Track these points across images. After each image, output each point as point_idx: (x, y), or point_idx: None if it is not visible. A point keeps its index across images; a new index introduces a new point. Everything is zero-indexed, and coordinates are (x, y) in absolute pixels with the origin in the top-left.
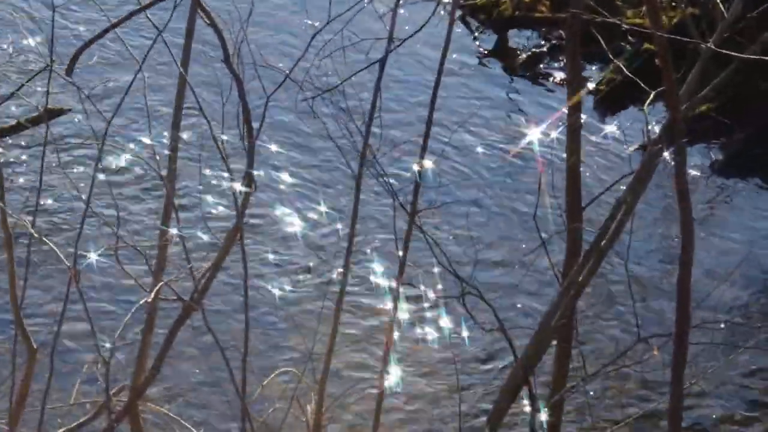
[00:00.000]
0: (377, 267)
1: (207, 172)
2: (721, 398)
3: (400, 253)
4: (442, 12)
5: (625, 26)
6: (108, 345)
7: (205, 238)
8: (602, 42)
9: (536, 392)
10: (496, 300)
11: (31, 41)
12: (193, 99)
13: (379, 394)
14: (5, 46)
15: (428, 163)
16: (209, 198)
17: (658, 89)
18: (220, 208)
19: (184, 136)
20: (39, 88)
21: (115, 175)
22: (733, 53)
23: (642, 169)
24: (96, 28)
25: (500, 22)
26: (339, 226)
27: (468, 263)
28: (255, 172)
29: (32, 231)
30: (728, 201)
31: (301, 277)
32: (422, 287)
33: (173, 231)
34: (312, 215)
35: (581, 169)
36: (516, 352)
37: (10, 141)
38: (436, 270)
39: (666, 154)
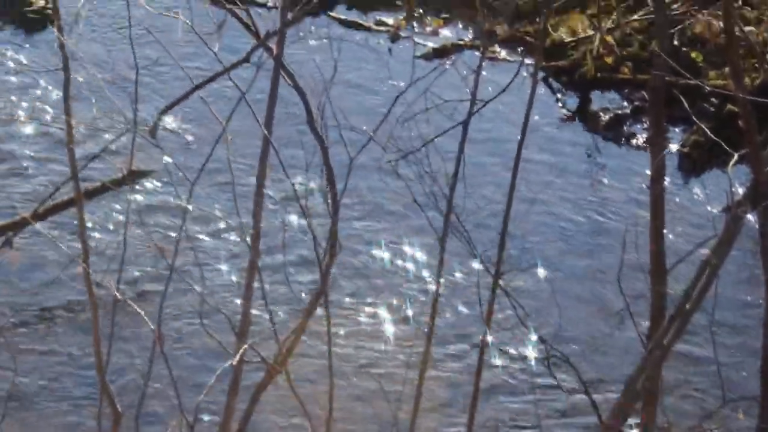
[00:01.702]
0: (461, 329)
1: (291, 233)
2: None
3: (484, 314)
4: (524, 73)
5: (708, 88)
6: (192, 408)
7: (290, 300)
8: (685, 103)
9: None
10: (580, 361)
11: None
12: (277, 160)
13: None
14: (89, 108)
15: (512, 225)
16: (293, 260)
17: (742, 151)
18: (305, 271)
19: (269, 197)
20: (123, 150)
21: (200, 237)
22: None
23: (726, 232)
24: (180, 89)
25: (583, 83)
26: (423, 287)
27: (552, 324)
28: (338, 234)
29: (117, 294)
30: None
31: (384, 339)
32: (507, 348)
33: (257, 293)
34: (396, 277)
35: (665, 230)
36: (600, 415)
37: (94, 203)
38: (520, 331)
39: (750, 216)
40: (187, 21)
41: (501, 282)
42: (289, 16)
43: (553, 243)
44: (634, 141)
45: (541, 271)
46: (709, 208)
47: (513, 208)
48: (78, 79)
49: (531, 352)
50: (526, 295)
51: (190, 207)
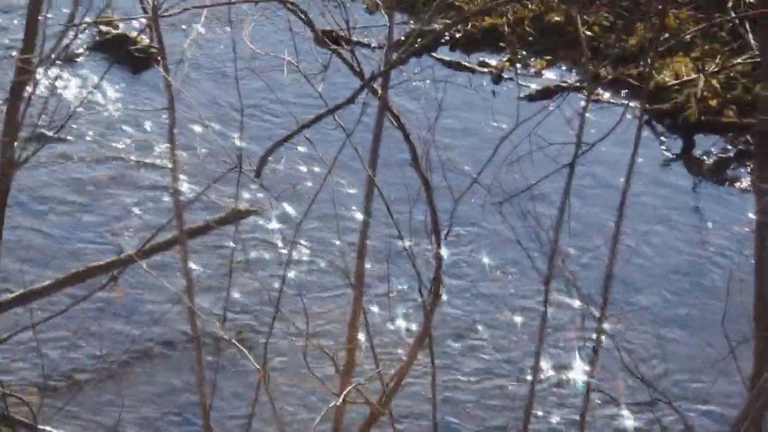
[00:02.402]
0: (565, 371)
1: (394, 274)
2: None
3: (590, 358)
4: (628, 116)
5: None
6: None
7: (394, 340)
8: None
9: None
10: (684, 406)
11: (220, 142)
12: (381, 200)
13: None
14: (194, 148)
15: (616, 268)
16: (397, 300)
17: None
18: (408, 311)
19: (373, 237)
20: (228, 189)
21: (304, 276)
22: None
23: None
24: (285, 129)
25: (686, 126)
26: (527, 330)
27: (656, 368)
28: (442, 275)
29: (221, 332)
30: None
31: (489, 384)
32: (610, 392)
33: (361, 334)
34: (499, 319)
35: None
36: None
37: (198, 241)
38: (624, 374)
39: None
40: (293, 61)
41: (605, 325)
42: (394, 57)
43: (657, 287)
44: (738, 185)
45: (645, 315)
46: None
47: (617, 252)
48: (183, 119)
49: (635, 396)
50: (629, 338)
51: (294, 246)
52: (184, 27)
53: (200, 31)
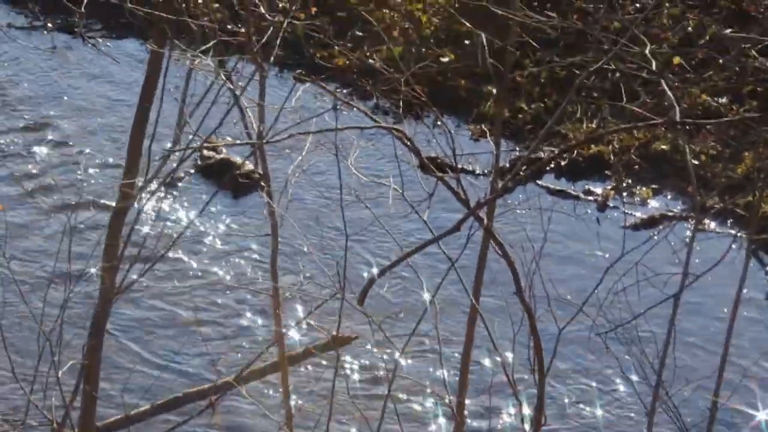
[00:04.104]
0: None
1: (496, 402)
2: None
3: None
4: (735, 246)
5: None
6: None
7: None
8: None
9: None
10: None
11: (322, 269)
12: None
13: None
14: (297, 274)
15: (722, 399)
16: (499, 429)
17: None
18: None
19: (474, 364)
20: (329, 316)
21: (405, 406)
22: None
23: None
24: (389, 257)
25: None
26: None
27: None
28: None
29: None
30: None
31: None
32: None
33: None
34: None
35: None
36: None
37: (298, 368)
38: None
39: None
40: (398, 188)
41: None
42: (500, 185)
43: (763, 419)
44: None
45: None
46: None
47: (722, 383)
48: (286, 245)
49: None
50: None
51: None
52: (288, 152)
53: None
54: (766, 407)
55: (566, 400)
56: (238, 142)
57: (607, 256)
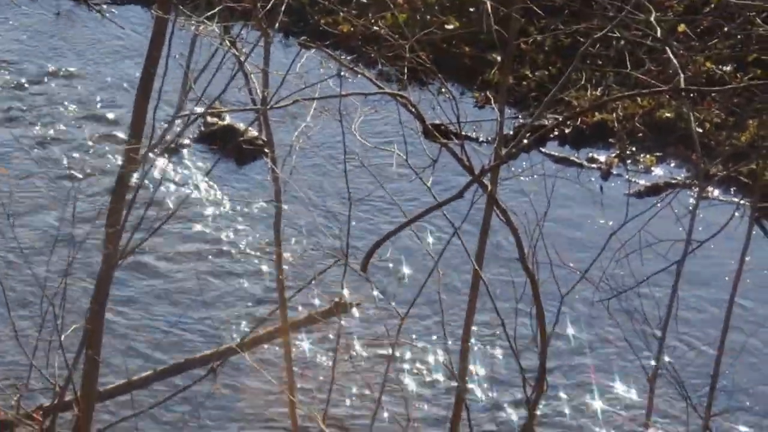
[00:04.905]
0: None
1: (497, 367)
2: None
3: None
4: (738, 214)
5: None
6: None
7: None
8: None
9: None
10: None
11: (326, 235)
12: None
13: None
14: (300, 240)
15: (723, 366)
16: (500, 395)
17: None
18: (511, 406)
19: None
20: (332, 282)
21: (406, 371)
22: None
23: None
24: (393, 223)
25: None
26: (631, 427)
27: None
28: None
29: (322, 426)
30: None
31: None
32: None
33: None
34: (603, 415)
35: None
36: None
37: (302, 333)
38: None
39: None
40: (402, 155)
41: (711, 424)
42: (504, 151)
43: (763, 387)
44: None
45: (751, 417)
46: None
47: (725, 350)
48: (289, 211)
49: None
50: None
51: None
52: (292, 119)
53: (309, 124)
54: (766, 375)
55: (568, 366)
56: (242, 108)
57: (611, 223)
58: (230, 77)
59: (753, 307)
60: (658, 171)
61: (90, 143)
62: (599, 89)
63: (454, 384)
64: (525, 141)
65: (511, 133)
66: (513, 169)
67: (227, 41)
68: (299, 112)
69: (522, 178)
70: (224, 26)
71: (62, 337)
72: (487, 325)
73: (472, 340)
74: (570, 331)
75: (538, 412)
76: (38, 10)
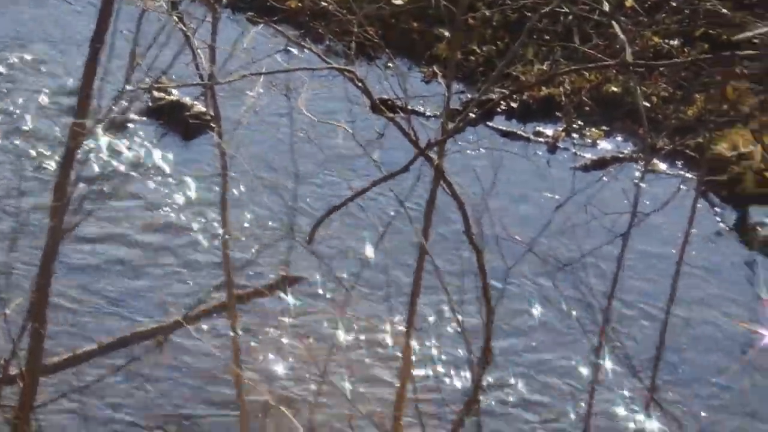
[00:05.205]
0: None
1: (444, 340)
2: None
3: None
4: (684, 187)
5: None
6: None
7: (441, 408)
8: None
9: None
10: None
11: (272, 209)
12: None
13: None
14: (246, 213)
15: (669, 338)
16: (445, 367)
17: None
18: (456, 378)
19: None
20: (278, 256)
21: (352, 344)
22: None
23: None
24: (338, 197)
25: (741, 198)
26: (576, 399)
27: None
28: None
29: (268, 398)
30: None
31: None
32: None
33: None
34: (549, 388)
35: None
36: None
37: (246, 307)
38: None
39: None
40: (349, 129)
41: (656, 395)
42: (450, 125)
43: (710, 356)
44: None
45: (697, 386)
46: None
47: (670, 322)
48: (235, 185)
49: None
50: (681, 408)
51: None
52: (240, 94)
53: (256, 99)
54: (712, 345)
55: (514, 339)
56: (189, 83)
57: (557, 197)
58: (177, 52)
59: (698, 278)
60: (604, 145)
61: (35, 116)
62: (546, 64)
63: (400, 357)
64: (472, 115)
65: (459, 107)
66: (460, 143)
67: (175, 16)
68: (247, 87)
69: (469, 152)
70: (172, 1)
71: (7, 310)
72: (433, 297)
73: (418, 312)
74: (516, 304)
75: (484, 384)
76: None
